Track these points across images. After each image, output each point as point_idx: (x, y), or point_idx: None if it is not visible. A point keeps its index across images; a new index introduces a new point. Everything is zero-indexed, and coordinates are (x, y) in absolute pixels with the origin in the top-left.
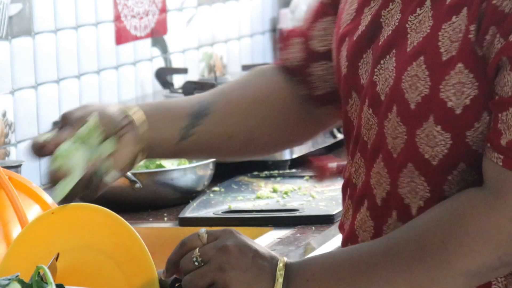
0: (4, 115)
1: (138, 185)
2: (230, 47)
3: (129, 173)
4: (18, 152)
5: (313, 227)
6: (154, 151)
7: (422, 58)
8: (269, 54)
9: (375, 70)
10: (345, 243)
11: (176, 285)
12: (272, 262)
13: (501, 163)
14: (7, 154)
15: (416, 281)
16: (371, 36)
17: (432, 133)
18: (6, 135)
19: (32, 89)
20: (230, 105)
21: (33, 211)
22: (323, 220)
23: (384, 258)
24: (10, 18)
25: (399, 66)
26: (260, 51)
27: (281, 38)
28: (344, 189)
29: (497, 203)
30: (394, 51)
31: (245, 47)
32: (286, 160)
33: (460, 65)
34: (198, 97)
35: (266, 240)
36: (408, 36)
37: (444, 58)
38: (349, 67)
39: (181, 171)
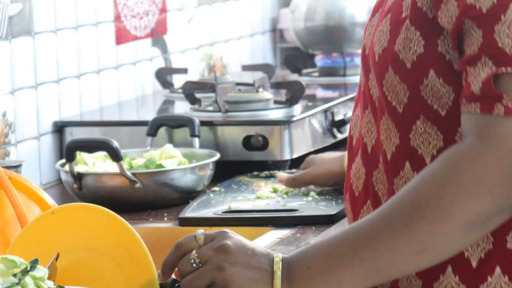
0: (4, 115)
1: (138, 185)
2: (230, 47)
3: (129, 173)
4: (18, 152)
5: (313, 227)
6: None
7: (389, 15)
8: (269, 54)
9: (367, 27)
10: (345, 194)
11: (176, 285)
12: (269, 257)
13: (479, 110)
14: (7, 154)
15: (418, 240)
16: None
17: (394, 82)
18: (6, 135)
19: (32, 89)
20: None
21: (33, 211)
22: (323, 220)
23: (383, 226)
24: (10, 18)
25: (377, 23)
26: (260, 51)
27: None
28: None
29: (482, 146)
30: (380, 9)
31: (245, 47)
32: (286, 160)
33: (408, 21)
34: None
35: (266, 240)
36: None
37: (403, 16)
38: (364, 32)
39: (181, 171)
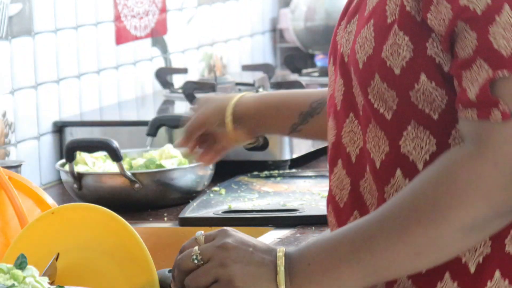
0: (4, 115)
1: (137, 185)
2: (230, 47)
3: (129, 173)
4: (18, 152)
5: (313, 227)
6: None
7: (372, 21)
8: (269, 54)
9: (344, 34)
10: (328, 206)
11: None
12: (271, 253)
13: (476, 117)
14: (7, 154)
15: (415, 243)
16: (348, 5)
17: (381, 90)
18: (6, 135)
19: (32, 89)
20: None
21: (33, 211)
22: (323, 220)
23: (380, 228)
24: (10, 18)
25: (357, 30)
26: (260, 51)
27: None
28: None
29: (479, 152)
30: (357, 15)
31: (245, 47)
32: (286, 160)
33: (396, 27)
34: (313, 95)
35: (266, 240)
36: (368, 1)
37: (388, 21)
38: (334, 33)
39: (181, 171)
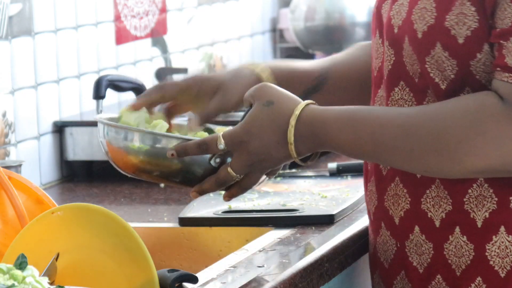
0: (4, 115)
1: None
2: (230, 47)
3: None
4: (18, 152)
5: (313, 227)
6: None
7: None
8: (269, 54)
9: (393, 7)
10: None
11: (176, 285)
12: (285, 128)
13: (511, 81)
14: (7, 154)
15: (428, 167)
16: None
17: (441, 58)
18: (6, 135)
19: (32, 89)
20: (341, 79)
21: (33, 211)
22: (323, 220)
23: (404, 141)
24: (10, 18)
25: (412, 1)
26: (260, 51)
27: None
28: None
29: (511, 114)
30: None
31: (245, 47)
32: None
33: None
34: (317, 65)
35: (266, 240)
36: None
37: None
38: (377, 7)
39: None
